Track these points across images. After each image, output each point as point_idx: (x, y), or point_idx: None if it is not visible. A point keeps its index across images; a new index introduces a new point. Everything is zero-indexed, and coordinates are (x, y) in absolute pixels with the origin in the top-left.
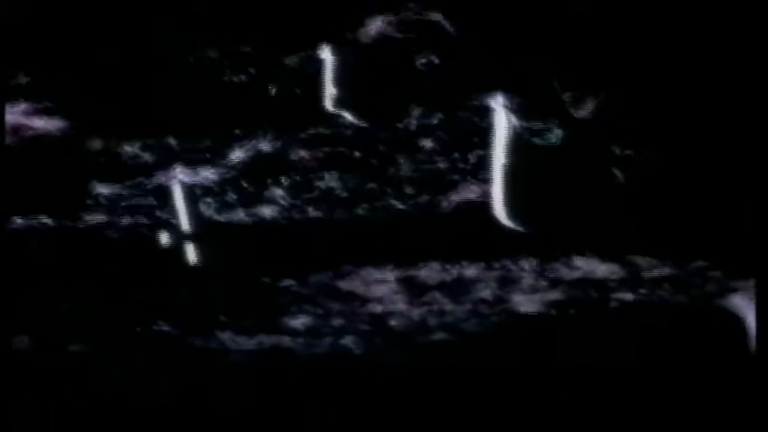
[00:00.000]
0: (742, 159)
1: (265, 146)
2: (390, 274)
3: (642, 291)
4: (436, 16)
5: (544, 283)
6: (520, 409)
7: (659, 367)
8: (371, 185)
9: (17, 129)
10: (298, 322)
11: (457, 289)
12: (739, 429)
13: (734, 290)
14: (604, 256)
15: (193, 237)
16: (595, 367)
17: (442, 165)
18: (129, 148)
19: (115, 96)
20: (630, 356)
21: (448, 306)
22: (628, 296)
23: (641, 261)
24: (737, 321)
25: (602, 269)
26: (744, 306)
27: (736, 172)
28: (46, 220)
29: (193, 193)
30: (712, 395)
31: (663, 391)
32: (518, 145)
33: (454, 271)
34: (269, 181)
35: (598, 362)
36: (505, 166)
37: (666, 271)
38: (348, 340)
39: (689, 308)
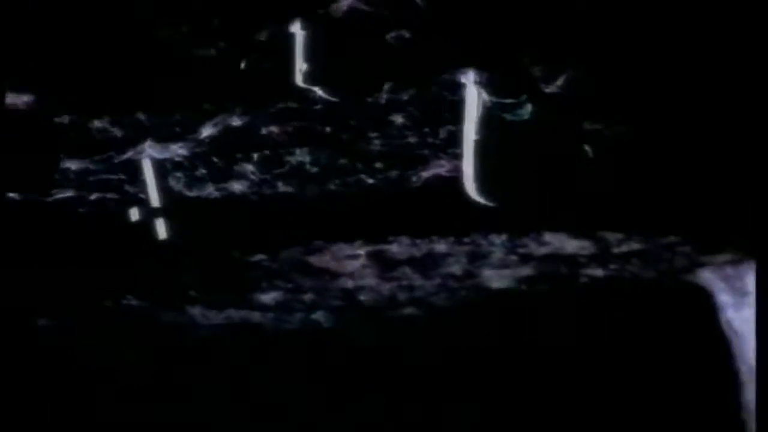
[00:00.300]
0: (712, 134)
1: (235, 121)
2: (360, 249)
3: (612, 266)
4: None
5: (514, 258)
6: (489, 379)
7: (628, 340)
8: (342, 160)
9: None
10: (269, 297)
11: (427, 263)
12: (707, 398)
13: (703, 265)
14: (575, 232)
15: (163, 212)
16: (564, 340)
17: (412, 140)
18: (98, 123)
19: (84, 71)
20: (599, 330)
21: (418, 281)
22: (598, 272)
23: (611, 236)
24: (706, 295)
25: (572, 245)
26: (712, 280)
27: (705, 147)
28: (14, 195)
29: (163, 168)
30: (680, 366)
31: (632, 363)
32: (489, 120)
33: (424, 246)
34: (239, 156)
35: (567, 336)
36: (475, 141)
37: (635, 246)
38: (318, 315)
39: (658, 283)
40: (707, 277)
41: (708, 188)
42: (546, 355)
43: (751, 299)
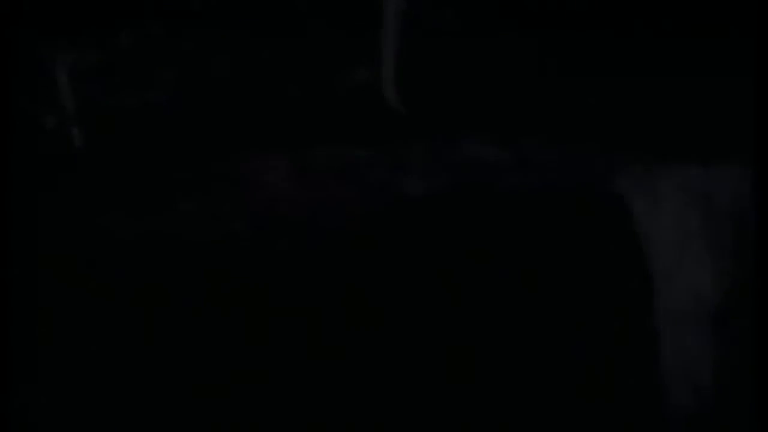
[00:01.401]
0: (630, 45)
1: (154, 29)
2: (281, 159)
3: (531, 175)
4: None
5: (434, 167)
6: (408, 292)
7: (546, 247)
8: (263, 69)
9: None
10: (188, 206)
11: (349, 173)
12: (622, 301)
13: (620, 173)
14: (494, 141)
15: (80, 121)
16: (483, 248)
17: (334, 47)
18: (14, 29)
19: None
20: (518, 238)
21: (339, 190)
22: (517, 180)
23: (530, 146)
24: (622, 203)
25: (492, 153)
26: (629, 188)
27: (623, 57)
28: None
29: (80, 77)
30: (598, 271)
31: (551, 268)
32: (411, 28)
33: (346, 155)
34: (158, 65)
35: (485, 246)
36: (397, 49)
37: (554, 155)
38: (238, 225)
39: (577, 191)
40: (624, 185)
41: (627, 96)
42: (465, 263)
43: (665, 205)
